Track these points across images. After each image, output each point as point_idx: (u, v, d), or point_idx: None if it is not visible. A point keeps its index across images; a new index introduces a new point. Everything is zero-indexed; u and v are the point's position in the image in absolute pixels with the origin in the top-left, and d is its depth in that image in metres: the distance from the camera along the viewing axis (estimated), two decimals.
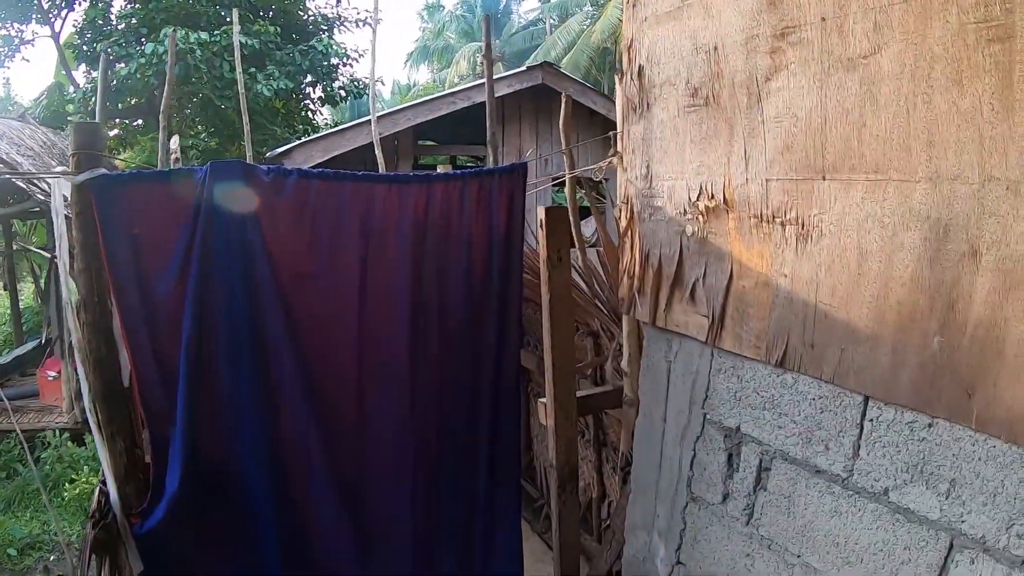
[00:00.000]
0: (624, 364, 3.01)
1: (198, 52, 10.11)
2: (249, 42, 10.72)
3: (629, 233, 2.55)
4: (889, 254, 1.60)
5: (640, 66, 2.42)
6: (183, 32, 9.95)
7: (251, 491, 2.25)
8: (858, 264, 1.69)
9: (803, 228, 1.84)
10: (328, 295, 2.38)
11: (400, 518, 2.56)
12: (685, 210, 2.23)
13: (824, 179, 1.76)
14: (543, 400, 3.00)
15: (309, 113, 15.29)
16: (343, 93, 14.33)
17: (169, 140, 4.60)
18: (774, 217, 1.92)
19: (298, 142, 7.39)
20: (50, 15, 14.00)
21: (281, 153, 7.46)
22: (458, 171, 2.64)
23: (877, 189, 1.62)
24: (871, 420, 1.72)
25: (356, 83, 14.41)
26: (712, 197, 2.11)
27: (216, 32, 10.61)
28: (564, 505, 3.00)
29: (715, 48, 2.07)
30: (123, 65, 10.80)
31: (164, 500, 2.11)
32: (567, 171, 3.27)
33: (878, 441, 1.71)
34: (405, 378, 2.52)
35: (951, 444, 1.54)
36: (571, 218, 3.45)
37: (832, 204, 1.75)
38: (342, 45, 14.05)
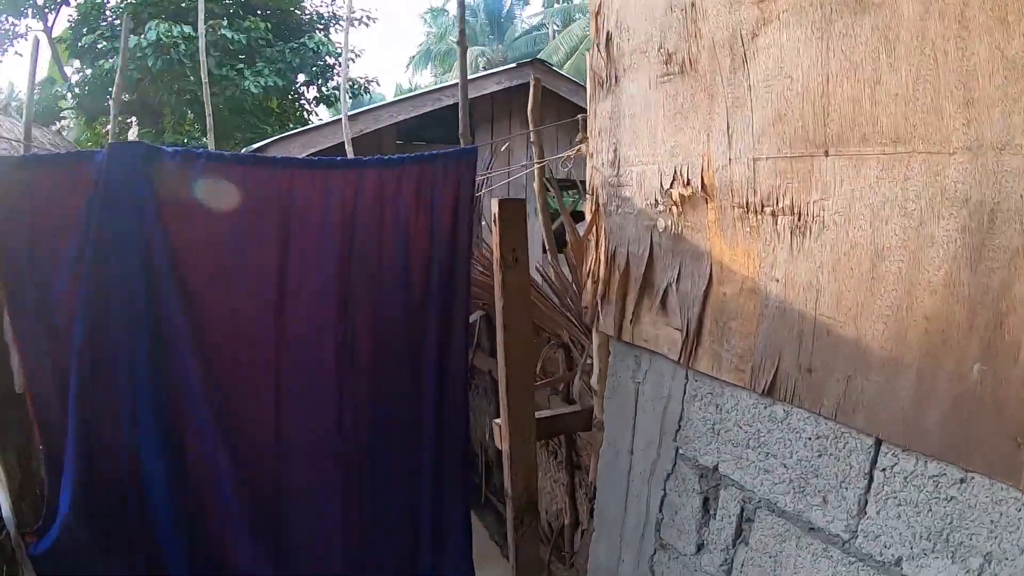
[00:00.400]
0: (594, 381, 2.61)
1: (182, 46, 9.81)
2: (236, 37, 10.42)
3: (594, 229, 2.16)
4: (914, 251, 1.20)
5: (608, 33, 2.03)
6: (167, 26, 9.66)
7: (155, 514, 2.01)
8: (872, 265, 1.29)
9: (800, 219, 1.44)
10: (241, 296, 2.10)
11: (327, 544, 2.26)
12: (657, 200, 1.83)
13: (827, 155, 1.37)
14: (498, 421, 2.62)
15: (305, 113, 15.01)
16: (338, 93, 14.06)
17: (127, 133, 4.24)
18: (763, 206, 1.52)
19: (275, 138, 7.02)
20: (45, 9, 13.79)
21: (257, 149, 7.10)
22: (396, 156, 2.26)
23: (897, 165, 1.22)
24: (883, 470, 1.32)
25: (352, 83, 14.15)
26: (688, 183, 1.71)
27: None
28: (522, 540, 2.61)
29: (692, 4, 1.68)
30: (108, 60, 10.52)
31: (59, 519, 1.91)
32: (536, 160, 2.89)
33: (892, 497, 1.30)
34: (331, 390, 2.22)
35: (989, 507, 1.15)
36: (539, 215, 3.06)
37: (837, 187, 1.35)
38: (338, 44, 13.79)
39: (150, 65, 9.82)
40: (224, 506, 2.10)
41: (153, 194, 1.93)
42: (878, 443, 1.33)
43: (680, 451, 1.90)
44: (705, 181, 1.66)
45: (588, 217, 2.22)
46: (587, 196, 2.24)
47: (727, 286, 1.64)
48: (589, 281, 2.20)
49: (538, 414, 2.78)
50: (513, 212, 2.36)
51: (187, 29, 9.95)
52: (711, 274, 1.67)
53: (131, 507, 1.99)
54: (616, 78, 1.99)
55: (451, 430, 2.44)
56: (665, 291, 1.82)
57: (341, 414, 2.24)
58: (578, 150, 2.42)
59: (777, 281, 1.51)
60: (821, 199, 1.39)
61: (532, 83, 2.89)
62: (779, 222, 1.49)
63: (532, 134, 2.94)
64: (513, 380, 2.47)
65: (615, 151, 2.00)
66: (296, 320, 2.14)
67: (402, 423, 2.34)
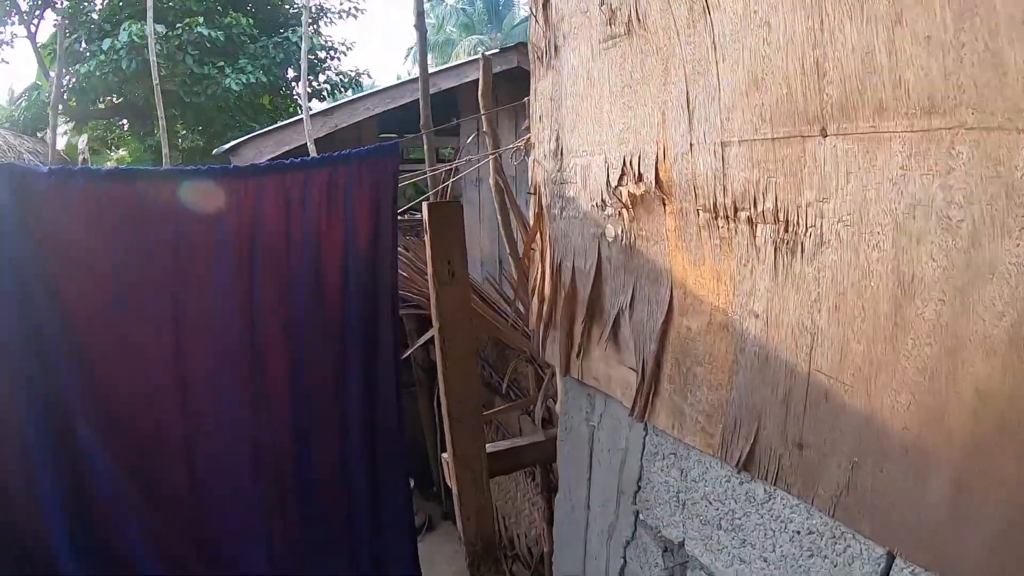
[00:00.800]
0: (559, 407, 2.20)
1: (157, 46, 9.40)
2: (214, 35, 10.01)
3: (539, 237, 1.73)
4: (961, 287, 0.76)
5: None
6: (139, 26, 9.25)
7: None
8: (894, 305, 0.85)
9: (787, 229, 1.01)
10: (133, 328, 1.83)
11: None
12: (604, 201, 1.40)
13: (824, 134, 0.93)
14: (446, 456, 2.23)
15: (298, 108, 14.63)
16: (328, 87, 13.68)
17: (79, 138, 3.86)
18: (736, 209, 1.08)
19: (247, 136, 6.60)
20: (31, 15, 13.50)
21: (229, 149, 6.68)
22: (299, 159, 1.86)
23: (934, 149, 0.78)
24: None
25: (343, 76, 13.76)
26: (640, 178, 1.27)
27: (178, 25, 9.91)
28: None
29: None
30: (86, 63, 10.16)
31: None
32: (489, 150, 2.46)
33: None
34: (245, 427, 1.94)
35: None
36: (498, 215, 2.63)
37: (841, 183, 0.91)
38: (327, 38, 13.41)
39: (124, 67, 9.43)
40: (140, 564, 1.86)
41: (24, 218, 1.68)
42: (891, 557, 0.90)
43: (640, 516, 1.48)
44: (661, 175, 1.23)
45: (531, 221, 1.79)
46: (530, 194, 1.81)
47: (692, 318, 1.20)
48: (535, 299, 1.77)
49: (491, 447, 2.38)
50: (447, 217, 1.95)
51: (158, 28, 9.55)
52: (671, 301, 1.24)
53: (38, 570, 1.76)
54: (556, 48, 1.55)
55: (387, 464, 2.17)
56: (616, 319, 1.38)
57: (257, 455, 1.97)
58: (528, 139, 1.99)
59: (757, 316, 1.07)
60: (818, 201, 0.96)
61: (481, 64, 2.45)
62: (759, 233, 1.05)
63: (485, 123, 2.51)
64: (456, 413, 2.07)
65: (557, 139, 1.57)
66: (196, 355, 1.88)
67: (329, 458, 2.06)
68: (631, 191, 1.29)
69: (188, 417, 1.84)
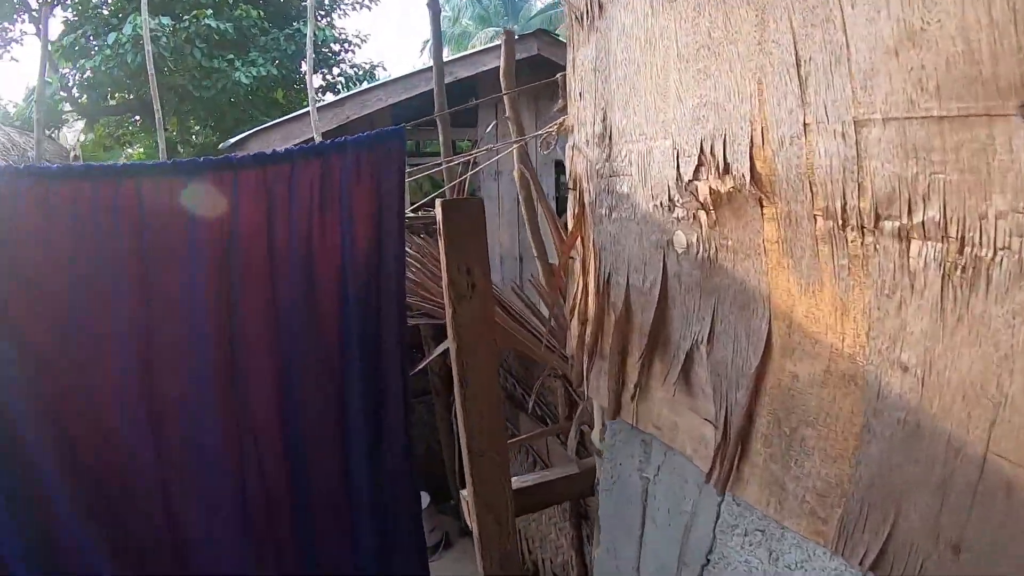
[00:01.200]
0: (596, 437, 1.90)
1: (163, 39, 9.19)
2: (223, 27, 9.77)
3: (580, 242, 1.41)
4: None
5: None
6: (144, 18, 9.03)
7: None
8: None
9: (963, 250, 0.69)
10: (92, 351, 1.52)
11: None
12: (672, 199, 1.08)
13: None
14: (465, 493, 1.95)
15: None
16: (343, 80, 13.44)
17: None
18: (878, 217, 0.77)
19: (254, 129, 6.34)
20: (41, 12, 13.41)
21: (234, 143, 6.42)
22: (284, 150, 1.56)
23: None
24: None
25: (357, 69, 13.52)
26: (726, 169, 0.96)
27: (185, 17, 9.69)
28: None
29: None
30: (91, 59, 9.99)
31: None
32: (513, 138, 2.15)
33: None
34: (229, 468, 1.64)
35: None
36: (524, 213, 2.33)
37: None
38: (343, 30, 13.17)
39: (129, 61, 9.24)
40: None
41: None
42: None
43: None
44: (757, 165, 0.91)
45: (571, 223, 1.48)
46: (569, 189, 1.49)
47: (800, 362, 0.89)
48: (574, 320, 1.46)
49: (517, 481, 2.08)
50: (466, 217, 1.64)
51: (164, 20, 9.34)
52: (770, 337, 0.92)
53: None
54: (600, 5, 1.23)
55: (396, 509, 1.85)
56: (688, 355, 1.07)
57: (245, 498, 1.68)
58: (561, 123, 1.67)
59: (906, 370, 0.75)
60: (1015, 211, 0.64)
61: (503, 40, 2.14)
62: (915, 252, 0.74)
63: (508, 107, 2.20)
64: (476, 448, 1.77)
65: (604, 120, 1.25)
66: (169, 385, 1.58)
67: (329, 498, 1.76)
68: (712, 187, 0.97)
69: (163, 462, 1.56)
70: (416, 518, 1.88)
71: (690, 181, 1.01)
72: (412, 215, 4.05)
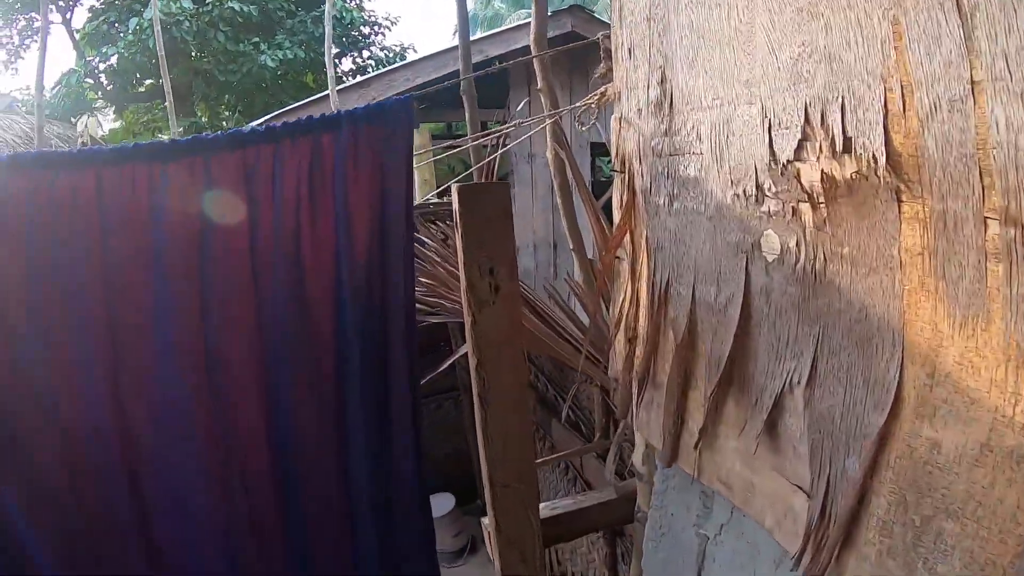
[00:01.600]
0: (637, 460, 1.66)
1: (186, 23, 9.10)
2: (246, 10, 9.65)
3: (629, 238, 1.14)
4: None
5: None
6: (165, 1, 8.96)
7: None
8: None
9: None
10: (54, 368, 1.29)
11: None
12: (760, 186, 0.81)
13: None
14: (487, 522, 1.74)
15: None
16: (373, 63, 13.28)
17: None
18: None
19: (272, 115, 6.19)
20: (68, 2, 13.50)
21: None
22: (268, 126, 1.31)
23: None
24: None
25: (387, 52, 13.36)
26: (844, 147, 0.68)
27: (208, 1, 9.59)
28: None
29: None
30: (113, 45, 9.99)
31: None
32: (546, 112, 1.88)
33: None
34: (214, 499, 1.42)
35: None
36: (559, 200, 2.06)
37: None
38: (372, 13, 13.01)
39: (151, 47, 9.22)
40: None
41: None
42: None
43: None
44: (896, 142, 0.63)
45: (617, 214, 1.21)
46: (615, 172, 1.22)
47: (945, 427, 0.61)
48: (620, 335, 1.19)
49: (546, 508, 1.84)
50: (488, 206, 1.38)
51: (185, 4, 9.24)
52: (900, 387, 0.65)
53: None
54: None
55: (405, 539, 1.63)
56: (778, 400, 0.80)
57: (232, 532, 1.45)
58: (602, 93, 1.39)
59: None
60: None
61: (534, 4, 1.86)
62: None
63: (539, 76, 1.92)
64: (497, 478, 1.53)
65: (662, 82, 0.97)
66: (139, 403, 1.34)
67: (329, 529, 1.54)
68: (824, 170, 0.69)
69: (137, 495, 1.35)
70: (425, 547, 1.66)
71: (789, 162, 0.73)
72: (438, 201, 3.81)
